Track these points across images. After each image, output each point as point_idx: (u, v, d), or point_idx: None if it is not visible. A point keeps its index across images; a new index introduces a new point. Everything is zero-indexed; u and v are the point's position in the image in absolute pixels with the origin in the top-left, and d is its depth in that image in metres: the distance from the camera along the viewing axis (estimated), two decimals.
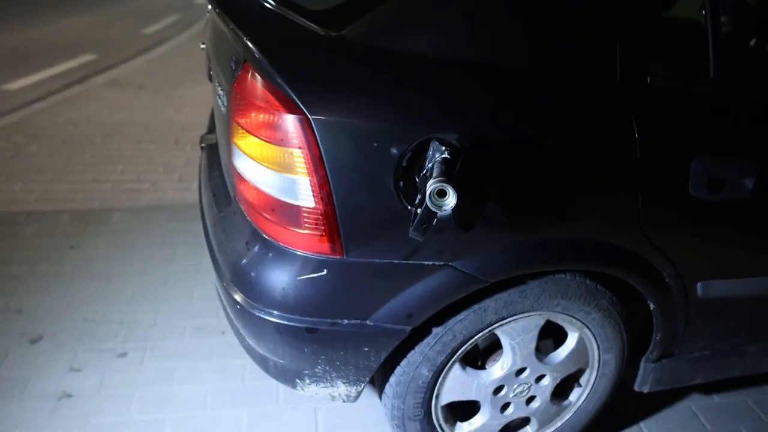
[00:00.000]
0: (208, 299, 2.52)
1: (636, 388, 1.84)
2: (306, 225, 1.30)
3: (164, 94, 5.25)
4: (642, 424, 2.05)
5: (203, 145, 2.13)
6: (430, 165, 1.19)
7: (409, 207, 1.26)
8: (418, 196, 1.23)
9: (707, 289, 1.60)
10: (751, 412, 2.15)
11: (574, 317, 1.58)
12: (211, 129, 2.20)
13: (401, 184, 1.25)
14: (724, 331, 1.77)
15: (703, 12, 1.46)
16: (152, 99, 5.11)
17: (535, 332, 1.58)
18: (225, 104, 1.51)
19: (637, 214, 1.41)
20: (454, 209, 1.13)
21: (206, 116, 4.66)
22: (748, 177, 1.45)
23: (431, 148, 1.21)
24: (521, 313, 1.51)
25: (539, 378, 1.67)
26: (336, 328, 1.39)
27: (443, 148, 1.18)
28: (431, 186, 1.10)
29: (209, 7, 1.97)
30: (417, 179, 1.25)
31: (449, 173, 1.14)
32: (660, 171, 1.40)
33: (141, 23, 8.30)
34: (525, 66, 1.33)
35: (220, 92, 1.58)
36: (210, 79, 1.86)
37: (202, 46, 2.13)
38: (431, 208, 1.13)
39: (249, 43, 1.32)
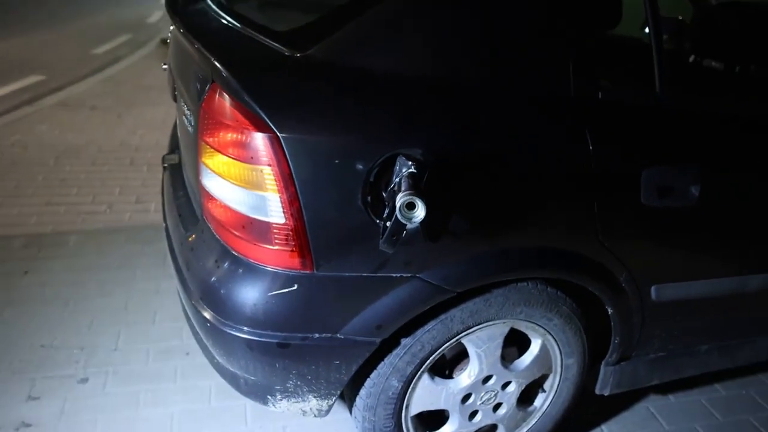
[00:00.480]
0: (170, 321, 2.49)
1: (597, 391, 1.91)
2: (276, 241, 1.32)
3: (117, 115, 5.17)
4: (603, 427, 2.12)
5: (165, 165, 2.13)
6: (397, 179, 1.23)
7: (378, 221, 1.29)
8: (386, 210, 1.27)
9: (661, 293, 1.68)
10: (704, 410, 2.24)
11: (536, 324, 1.63)
12: (173, 149, 2.20)
13: (369, 198, 1.29)
14: (677, 332, 1.85)
15: (647, 30, 1.55)
16: (105, 120, 5.03)
17: (500, 340, 1.63)
18: (192, 124, 1.52)
19: (594, 222, 1.48)
20: (422, 221, 1.17)
21: (161, 137, 4.64)
22: (693, 184, 1.54)
23: (398, 164, 1.25)
24: (486, 321, 1.56)
25: (505, 385, 1.72)
26: (307, 342, 1.40)
27: (409, 163, 1.22)
28: (401, 199, 1.14)
29: (172, 27, 1.98)
30: (384, 194, 1.28)
31: (417, 187, 1.19)
32: (613, 180, 1.48)
33: (91, 43, 8.15)
34: (485, 83, 1.39)
35: (187, 112, 1.60)
36: (174, 99, 1.87)
37: (164, 66, 2.14)
38: (401, 220, 1.17)
39: (216, 63, 1.34)
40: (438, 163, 1.26)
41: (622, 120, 1.50)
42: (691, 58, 2.07)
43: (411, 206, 1.16)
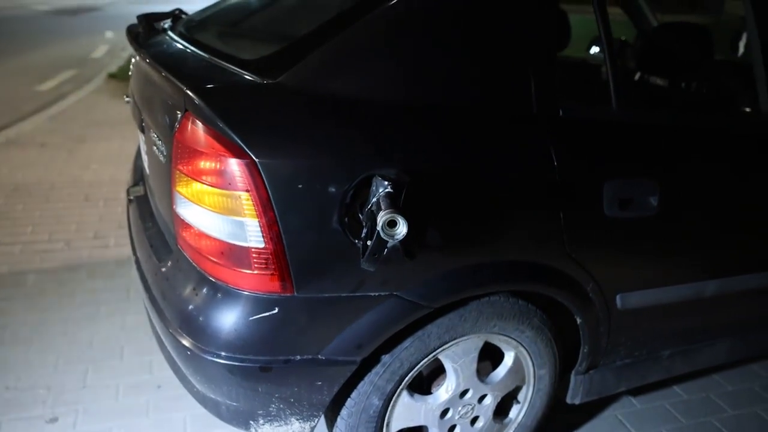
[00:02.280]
0: (138, 355, 2.45)
1: (568, 400, 1.97)
2: (256, 265, 1.34)
3: (68, 151, 5.08)
4: None
5: (131, 197, 2.12)
6: (374, 200, 1.27)
7: (356, 241, 1.33)
8: (364, 230, 1.31)
9: (626, 301, 1.75)
10: (669, 414, 2.32)
11: (509, 336, 1.68)
12: (137, 181, 2.19)
13: (346, 219, 1.33)
14: (641, 338, 1.93)
15: (592, 51, 1.65)
16: (55, 157, 4.93)
17: (475, 354, 1.67)
18: (165, 153, 1.53)
19: (561, 235, 1.55)
20: (403, 239, 1.22)
21: (116, 171, 4.58)
22: (652, 195, 1.63)
23: (374, 184, 1.30)
24: (461, 336, 1.60)
25: (482, 398, 1.76)
26: (290, 365, 1.42)
27: (386, 183, 1.27)
28: (383, 217, 1.19)
29: (134, 59, 2.00)
30: (361, 215, 1.32)
31: (396, 205, 1.23)
32: (577, 194, 1.56)
33: (34, 80, 7.97)
34: (453, 104, 1.46)
35: (158, 142, 1.61)
36: (142, 130, 1.87)
37: (127, 99, 2.14)
38: (384, 238, 1.21)
39: (188, 92, 1.36)
40: (412, 182, 1.31)
41: (583, 135, 1.59)
42: (637, 76, 2.19)
43: (392, 224, 1.20)
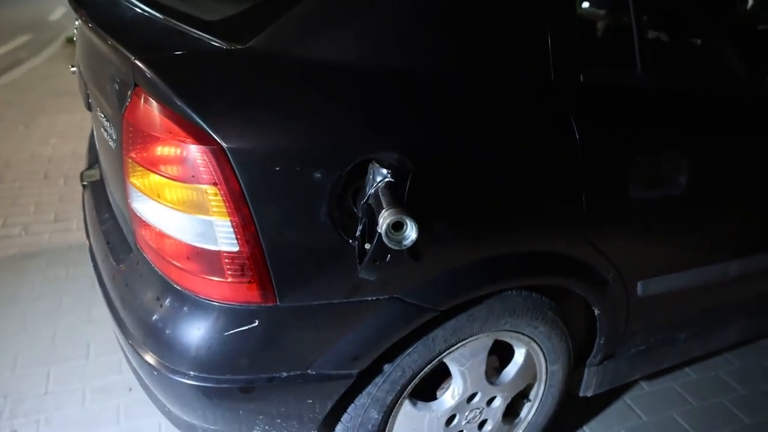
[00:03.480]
0: (107, 353, 2.23)
1: (581, 393, 1.81)
2: (230, 272, 1.12)
3: (24, 125, 4.73)
4: (586, 428, 2.02)
5: (85, 183, 1.86)
6: (372, 191, 1.05)
7: (350, 240, 1.11)
8: (359, 228, 1.09)
9: (647, 287, 1.58)
10: (679, 396, 2.19)
11: (521, 333, 1.50)
12: (92, 163, 1.93)
13: (337, 214, 1.10)
14: (658, 324, 1.77)
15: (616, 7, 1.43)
16: (10, 131, 4.59)
17: (484, 354, 1.49)
18: (114, 137, 1.29)
19: (582, 219, 1.35)
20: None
21: (78, 145, 4.26)
22: (680, 170, 1.44)
23: (370, 171, 1.07)
24: (469, 337, 1.41)
25: (490, 400, 1.58)
26: (275, 383, 1.22)
27: (384, 171, 1.04)
28: (386, 219, 0.97)
29: (77, 22, 1.71)
30: (355, 207, 1.10)
31: (399, 199, 1.01)
32: (602, 172, 1.35)
33: None
34: (458, 73, 1.22)
35: (106, 123, 1.36)
36: (89, 107, 1.61)
37: (72, 69, 1.86)
38: (388, 244, 0.99)
39: (139, 63, 1.11)
40: (416, 168, 1.09)
41: (607, 104, 1.36)
42: (654, 36, 1.97)
43: (398, 226, 0.98)
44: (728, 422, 2.08)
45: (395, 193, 1.03)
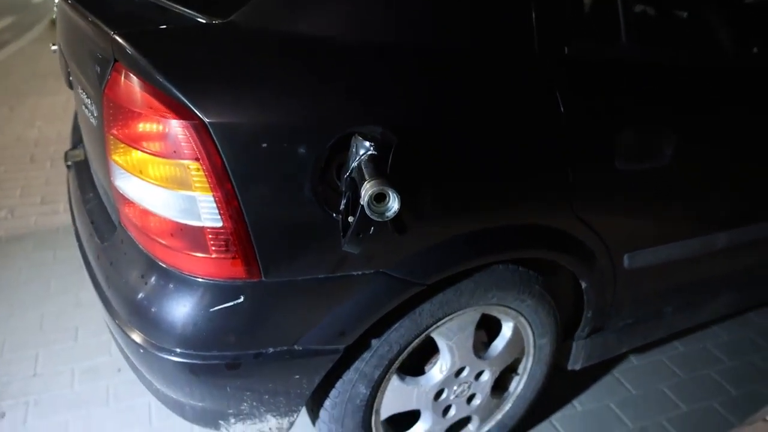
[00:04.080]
0: (95, 335, 2.23)
1: (569, 366, 1.82)
2: (214, 248, 1.11)
3: (9, 108, 4.67)
4: (575, 402, 2.04)
5: (69, 163, 1.84)
6: (355, 164, 1.04)
7: (333, 214, 1.11)
8: (343, 201, 1.08)
9: (633, 260, 1.58)
10: (667, 369, 2.22)
11: (508, 307, 1.50)
12: (76, 143, 1.91)
13: (320, 188, 1.10)
14: (645, 297, 1.78)
15: None
16: None
17: (472, 329, 1.49)
18: (95, 115, 1.27)
19: (568, 192, 1.35)
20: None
21: (64, 128, 4.21)
22: (666, 142, 1.43)
23: (353, 145, 1.06)
24: (456, 311, 1.41)
25: (478, 375, 1.59)
26: (261, 359, 1.21)
27: (367, 144, 1.04)
28: (369, 190, 0.96)
29: (57, 0, 1.68)
30: (339, 181, 1.10)
31: (382, 172, 1.00)
32: (587, 144, 1.35)
33: None
34: (442, 45, 1.21)
35: (87, 101, 1.34)
36: (70, 86, 1.58)
37: (54, 47, 1.83)
38: (371, 216, 0.98)
39: (118, 38, 1.09)
40: (400, 139, 1.08)
41: (591, 76, 1.36)
42: (639, 8, 1.95)
43: (380, 197, 0.97)
44: (716, 393, 2.11)
45: (378, 166, 1.02)
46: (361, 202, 0.98)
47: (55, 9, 1.82)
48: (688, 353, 2.30)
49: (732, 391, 2.12)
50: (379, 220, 1.00)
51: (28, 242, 2.84)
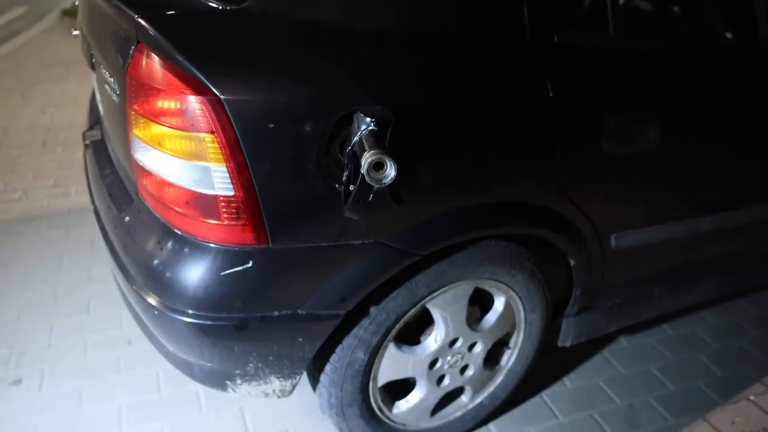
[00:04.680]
0: (106, 309, 2.32)
1: (559, 343, 1.90)
2: (226, 215, 1.20)
3: (21, 95, 4.77)
4: (565, 379, 2.13)
5: (87, 142, 1.94)
6: (356, 139, 1.13)
7: (337, 185, 1.20)
8: (346, 173, 1.17)
9: (620, 240, 1.67)
10: (656, 351, 2.30)
11: (500, 281, 1.59)
12: (93, 124, 2.01)
13: (325, 162, 1.19)
14: (633, 278, 1.86)
15: None
16: (8, 101, 4.63)
17: (465, 301, 1.58)
18: (118, 92, 1.36)
19: (557, 173, 1.44)
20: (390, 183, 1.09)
21: (75, 115, 4.31)
22: (652, 128, 1.52)
23: (355, 121, 1.15)
24: (450, 283, 1.50)
25: (471, 346, 1.67)
26: (267, 322, 1.31)
27: (368, 120, 1.13)
28: (368, 159, 1.05)
29: None
30: (341, 156, 1.19)
31: (381, 145, 1.09)
32: (574, 128, 1.44)
33: None
34: (439, 33, 1.30)
35: (110, 80, 1.43)
36: (92, 67, 1.68)
37: (75, 32, 1.93)
38: (369, 182, 1.08)
39: (141, 21, 1.19)
40: (398, 119, 1.17)
41: (580, 64, 1.45)
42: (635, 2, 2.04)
43: (379, 166, 1.07)
44: (702, 375, 2.19)
45: (377, 140, 1.11)
46: (362, 171, 1.07)
47: None
48: (676, 336, 2.38)
49: (718, 373, 2.20)
50: (378, 186, 1.10)
51: (41, 222, 2.94)
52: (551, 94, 1.37)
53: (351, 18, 1.25)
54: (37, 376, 2.02)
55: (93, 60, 1.64)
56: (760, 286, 2.57)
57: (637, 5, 1.78)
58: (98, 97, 1.81)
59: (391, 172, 1.08)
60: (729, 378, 2.18)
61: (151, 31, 1.17)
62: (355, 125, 1.15)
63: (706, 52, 1.71)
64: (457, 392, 1.79)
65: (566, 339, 1.88)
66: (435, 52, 1.29)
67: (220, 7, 1.24)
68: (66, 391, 1.96)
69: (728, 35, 1.81)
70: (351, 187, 1.14)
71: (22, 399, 1.93)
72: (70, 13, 7.71)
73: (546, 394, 2.06)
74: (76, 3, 1.97)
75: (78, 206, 3.06)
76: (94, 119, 2.01)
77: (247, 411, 1.92)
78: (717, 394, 2.10)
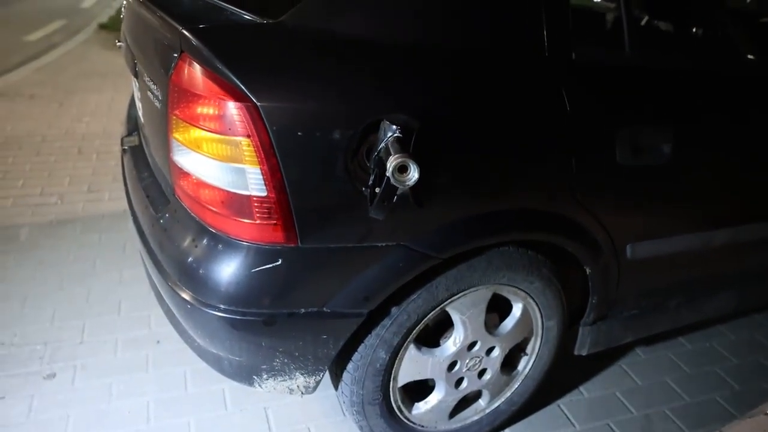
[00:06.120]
0: (136, 310, 2.41)
1: (576, 352, 1.94)
2: (258, 215, 1.28)
3: (58, 103, 4.95)
4: (581, 388, 2.16)
5: (125, 147, 2.04)
6: (383, 145, 1.20)
7: (363, 189, 1.27)
8: (372, 177, 1.24)
9: (635, 251, 1.71)
10: (673, 363, 2.32)
11: (518, 288, 1.64)
12: (131, 131, 2.11)
13: (353, 166, 1.26)
14: (649, 289, 1.90)
15: None
16: (46, 109, 4.80)
17: (484, 305, 1.63)
18: (161, 99, 1.45)
19: (573, 183, 1.49)
20: (414, 185, 1.15)
21: (109, 124, 4.47)
22: (666, 142, 1.57)
23: (381, 129, 1.23)
24: (470, 287, 1.56)
25: (489, 350, 1.72)
26: (294, 318, 1.37)
27: (394, 127, 1.20)
28: (394, 162, 1.13)
29: (125, 2, 1.89)
30: (368, 161, 1.26)
31: (406, 150, 1.16)
32: (590, 141, 1.49)
33: (22, 30, 7.72)
34: (464, 46, 1.37)
35: (153, 87, 1.52)
36: (135, 75, 1.78)
37: (119, 44, 2.04)
38: (394, 183, 1.15)
39: (185, 32, 1.28)
40: (422, 127, 1.24)
41: (596, 80, 1.51)
42: (650, 22, 2.10)
43: (403, 169, 1.14)
44: (719, 388, 2.21)
45: (402, 146, 1.18)
46: (387, 173, 1.14)
47: (123, 8, 2.03)
48: (694, 350, 2.40)
49: (735, 387, 2.22)
50: (402, 188, 1.17)
51: (76, 226, 3.05)
52: (568, 108, 1.43)
53: (379, 31, 1.32)
54: (70, 371, 2.11)
55: (136, 69, 1.74)
56: None
57: (651, 24, 1.84)
58: (138, 104, 1.90)
59: (414, 174, 1.15)
60: (746, 391, 2.20)
61: (194, 42, 1.25)
62: (382, 132, 1.22)
63: (720, 68, 1.76)
64: (475, 396, 1.84)
65: (583, 347, 1.92)
66: (458, 64, 1.36)
67: (258, 21, 1.32)
68: (98, 386, 2.04)
69: (742, 51, 1.86)
70: (377, 190, 1.21)
71: (56, 392, 2.01)
72: (107, 26, 7.99)
73: (562, 403, 2.09)
74: (121, 16, 2.07)
75: (111, 211, 3.18)
76: (132, 126, 2.11)
77: (270, 410, 1.98)
78: (733, 407, 2.12)
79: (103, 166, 3.75)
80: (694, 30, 2.03)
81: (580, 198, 1.53)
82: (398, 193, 1.20)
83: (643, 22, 1.99)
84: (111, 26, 7.96)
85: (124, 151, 2.06)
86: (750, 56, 1.93)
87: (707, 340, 2.46)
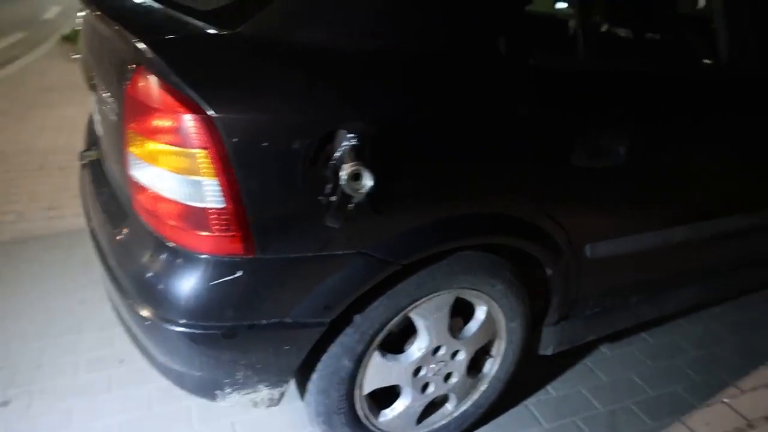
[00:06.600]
0: (99, 330, 2.35)
1: (540, 352, 1.97)
2: (216, 227, 1.27)
3: (18, 118, 4.84)
4: (548, 387, 2.19)
5: (84, 162, 2.01)
6: (338, 154, 1.21)
7: (320, 198, 1.27)
8: (329, 186, 1.25)
9: (594, 251, 1.74)
10: (637, 359, 2.37)
11: (480, 291, 1.66)
12: (90, 145, 2.08)
13: (310, 176, 1.26)
14: (610, 287, 1.94)
15: (557, 6, 1.60)
16: (5, 124, 4.69)
17: (447, 310, 1.64)
18: (117, 112, 1.44)
19: (531, 186, 1.52)
20: (368, 193, 1.16)
21: (71, 138, 4.38)
22: (621, 144, 1.61)
23: (338, 138, 1.23)
24: (432, 292, 1.57)
25: (454, 354, 1.73)
26: (255, 330, 1.37)
27: (350, 135, 1.21)
28: (347, 170, 1.13)
29: (81, 14, 1.86)
30: (325, 170, 1.26)
31: (361, 158, 1.17)
32: (546, 143, 1.52)
33: None
34: (422, 53, 1.39)
35: (109, 100, 1.51)
36: (92, 88, 1.76)
37: (75, 56, 2.01)
38: (348, 192, 1.16)
39: (140, 45, 1.27)
40: (379, 134, 1.25)
41: (553, 84, 1.54)
42: (604, 28, 2.15)
43: (357, 177, 1.15)
44: (681, 380, 2.26)
45: (358, 154, 1.19)
46: (340, 182, 1.15)
47: (79, 20, 2.00)
48: (656, 344, 2.45)
49: (696, 378, 2.27)
50: (356, 195, 1.18)
51: (35, 244, 2.98)
52: (526, 112, 1.45)
53: (336, 40, 1.33)
54: (26, 397, 2.02)
55: (93, 81, 1.72)
56: (738, 294, 2.66)
57: (607, 30, 1.88)
58: (96, 118, 1.88)
59: (367, 182, 1.16)
60: (706, 382, 2.26)
61: (150, 54, 1.25)
62: (337, 141, 1.23)
63: (674, 72, 1.81)
64: (442, 401, 1.85)
65: (547, 347, 1.95)
66: (416, 70, 1.38)
67: (215, 32, 1.32)
68: (57, 411, 1.97)
69: (697, 55, 1.92)
70: (332, 198, 1.22)
71: (10, 421, 1.93)
72: (70, 38, 7.83)
73: (530, 402, 2.11)
74: (77, 28, 2.05)
75: (73, 229, 3.11)
76: (92, 140, 2.08)
77: (238, 425, 1.96)
78: (694, 397, 2.18)
79: (65, 182, 3.67)
80: (649, 35, 2.08)
81: (539, 200, 1.55)
82: (353, 201, 1.21)
83: (600, 28, 2.03)
84: (74, 38, 7.81)
85: (83, 165, 2.03)
86: (704, 60, 1.99)
87: (669, 334, 2.51)
